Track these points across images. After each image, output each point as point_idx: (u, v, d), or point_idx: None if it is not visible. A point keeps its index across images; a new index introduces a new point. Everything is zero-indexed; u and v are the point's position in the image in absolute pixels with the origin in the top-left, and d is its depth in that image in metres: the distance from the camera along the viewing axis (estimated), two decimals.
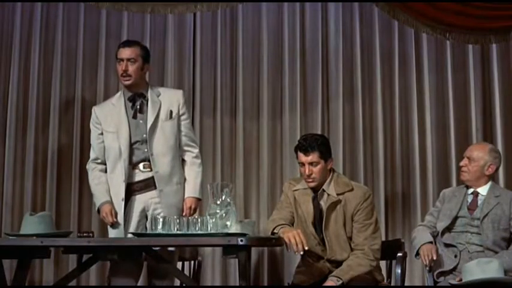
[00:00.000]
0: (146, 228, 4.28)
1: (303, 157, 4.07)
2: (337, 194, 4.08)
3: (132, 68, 4.34)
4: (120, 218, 4.29)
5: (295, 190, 4.19)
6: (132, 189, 4.32)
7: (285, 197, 4.23)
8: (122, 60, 4.33)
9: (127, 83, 4.36)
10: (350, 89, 5.56)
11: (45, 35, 5.51)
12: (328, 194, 4.09)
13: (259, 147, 5.49)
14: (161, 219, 3.63)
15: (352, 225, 4.07)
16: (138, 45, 4.44)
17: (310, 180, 4.08)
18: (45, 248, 3.91)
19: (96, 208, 4.40)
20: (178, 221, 3.61)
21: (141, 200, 4.33)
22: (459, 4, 5.31)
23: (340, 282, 3.91)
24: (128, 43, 4.45)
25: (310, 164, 4.05)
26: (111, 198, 4.33)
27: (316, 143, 4.08)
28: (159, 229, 3.61)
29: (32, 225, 3.75)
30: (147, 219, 4.30)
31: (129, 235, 4.21)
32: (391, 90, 5.59)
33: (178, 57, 5.56)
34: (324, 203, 4.09)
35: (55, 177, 5.37)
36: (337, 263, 4.06)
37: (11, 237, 3.89)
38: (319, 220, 4.10)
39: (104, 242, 3.87)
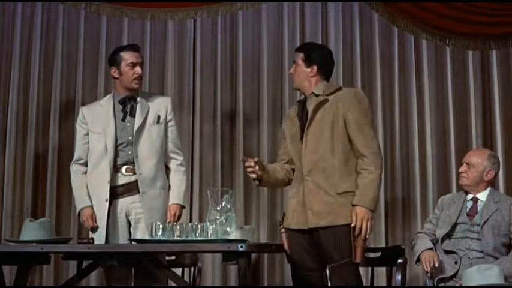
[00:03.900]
0: (130, 233, 4.34)
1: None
2: (326, 95, 3.91)
3: (142, 72, 4.45)
4: (104, 220, 4.31)
5: (290, 110, 4.13)
6: (113, 193, 4.34)
7: (282, 133, 4.14)
8: (136, 64, 4.39)
9: (138, 86, 4.44)
10: None
11: (45, 40, 5.53)
12: (317, 95, 3.93)
13: (259, 153, 5.49)
14: (161, 226, 3.63)
15: (344, 126, 3.85)
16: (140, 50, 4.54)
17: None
18: (45, 254, 3.90)
19: (77, 212, 4.43)
20: (178, 227, 3.61)
21: (122, 204, 4.35)
22: (459, 10, 5.32)
23: (370, 212, 3.77)
24: (138, 47, 4.52)
25: (294, 62, 4.05)
26: (91, 202, 4.36)
27: (307, 45, 4.17)
28: (159, 235, 3.62)
29: (32, 231, 3.75)
30: (130, 225, 4.36)
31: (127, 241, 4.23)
32: (391, 96, 5.60)
33: (179, 63, 5.57)
34: (310, 106, 3.93)
35: (55, 183, 5.38)
36: (312, 168, 3.86)
37: (11, 244, 3.88)
38: (304, 122, 3.93)
39: (104, 248, 3.87)
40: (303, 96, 4.08)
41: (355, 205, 3.78)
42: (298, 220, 3.91)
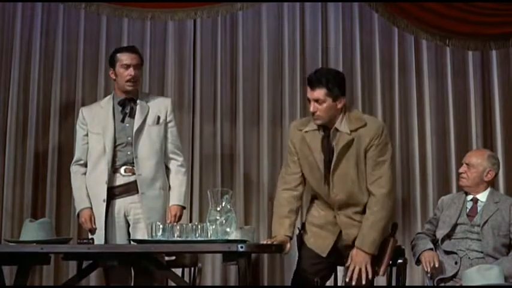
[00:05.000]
0: (129, 233, 4.35)
1: (309, 92, 3.77)
2: (351, 131, 3.76)
3: (138, 74, 4.43)
4: (102, 220, 4.31)
5: (306, 132, 3.86)
6: (111, 194, 4.34)
7: (289, 147, 3.93)
8: (130, 65, 4.38)
9: (132, 88, 4.41)
10: (350, 95, 5.53)
11: (45, 41, 5.52)
12: (341, 132, 3.78)
13: (259, 154, 5.50)
14: (161, 226, 3.64)
15: (365, 162, 3.79)
16: (139, 52, 4.52)
17: (315, 118, 3.78)
18: (45, 255, 3.90)
19: (76, 213, 4.44)
20: (178, 227, 3.61)
21: (120, 204, 4.36)
22: (459, 10, 5.32)
23: (369, 256, 3.77)
24: (134, 49, 4.51)
25: (316, 101, 3.75)
26: (91, 203, 4.36)
27: (325, 78, 3.75)
28: (159, 236, 3.62)
29: (32, 231, 3.75)
30: (128, 225, 4.37)
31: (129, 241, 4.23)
32: (391, 96, 5.60)
33: (179, 63, 5.57)
34: (336, 143, 3.79)
35: (55, 183, 5.37)
36: (343, 205, 3.86)
37: (11, 244, 3.89)
38: (328, 161, 3.80)
39: (104, 249, 3.88)
40: (320, 127, 3.85)
41: (356, 246, 3.82)
42: (317, 245, 3.95)
